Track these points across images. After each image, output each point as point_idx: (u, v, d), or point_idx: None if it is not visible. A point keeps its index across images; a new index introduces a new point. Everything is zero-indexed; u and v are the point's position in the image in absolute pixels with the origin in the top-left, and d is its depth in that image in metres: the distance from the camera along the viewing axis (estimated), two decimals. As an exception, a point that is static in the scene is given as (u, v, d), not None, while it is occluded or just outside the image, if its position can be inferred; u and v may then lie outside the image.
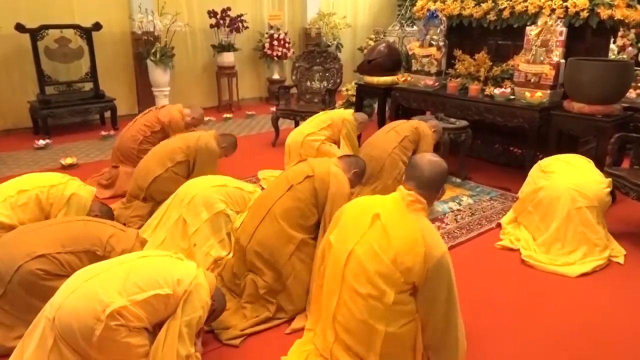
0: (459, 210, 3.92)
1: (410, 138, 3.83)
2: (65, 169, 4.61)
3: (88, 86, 6.09)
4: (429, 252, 1.81)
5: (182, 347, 1.83)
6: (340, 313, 1.96)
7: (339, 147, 4.20)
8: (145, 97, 6.68)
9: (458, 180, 4.55)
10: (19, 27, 5.44)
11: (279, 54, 7.61)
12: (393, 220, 1.91)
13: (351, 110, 4.54)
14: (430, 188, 1.99)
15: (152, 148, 3.77)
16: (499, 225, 3.59)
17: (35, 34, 5.52)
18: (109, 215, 2.94)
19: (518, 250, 3.24)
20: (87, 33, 5.89)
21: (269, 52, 7.55)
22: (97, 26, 5.95)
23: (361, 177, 2.90)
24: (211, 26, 7.00)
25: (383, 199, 2.03)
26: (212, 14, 6.91)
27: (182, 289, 1.87)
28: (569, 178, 3.26)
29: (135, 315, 1.78)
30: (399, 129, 3.87)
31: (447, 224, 3.65)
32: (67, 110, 5.82)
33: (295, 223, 2.52)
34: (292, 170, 2.72)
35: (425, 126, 3.97)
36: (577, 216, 3.11)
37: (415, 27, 7.47)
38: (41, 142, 5.39)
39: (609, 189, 3.23)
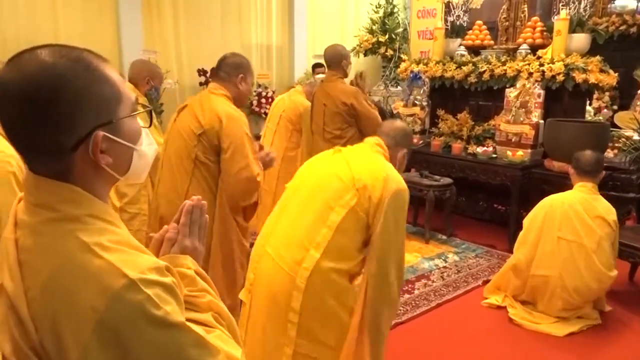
0: (445, 267, 3.90)
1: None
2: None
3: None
4: (389, 180, 1.78)
5: None
6: (277, 234, 1.84)
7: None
8: (132, 151, 6.69)
9: (444, 237, 4.56)
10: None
11: (267, 111, 7.74)
12: (355, 154, 1.92)
13: (301, 92, 4.32)
14: (392, 140, 2.02)
15: None
16: (485, 283, 3.57)
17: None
18: None
19: (505, 308, 3.21)
20: (77, 89, 5.96)
21: (257, 109, 7.69)
22: (88, 82, 6.03)
23: (250, 76, 2.43)
24: (200, 84, 7.13)
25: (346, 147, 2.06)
26: (201, 72, 7.07)
27: None
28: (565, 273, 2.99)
29: None
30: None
31: (433, 282, 3.62)
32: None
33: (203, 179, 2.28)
34: (182, 125, 2.32)
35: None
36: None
37: (399, 88, 7.70)
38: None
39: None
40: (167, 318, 0.76)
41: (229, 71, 2.32)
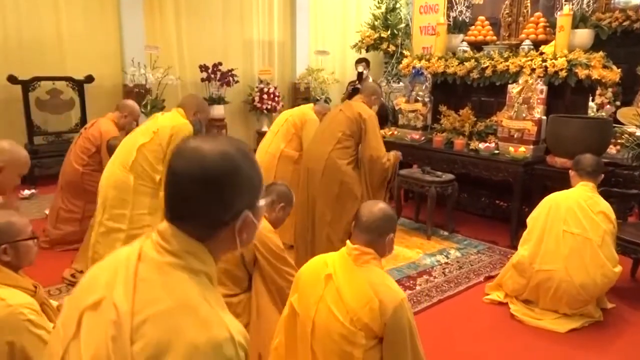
0: (446, 263, 3.91)
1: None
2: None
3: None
4: (383, 305, 1.79)
5: None
6: None
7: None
8: (134, 148, 6.70)
9: (445, 233, 4.56)
10: (11, 79, 5.51)
11: (269, 107, 7.75)
12: (344, 279, 1.88)
13: (311, 107, 4.43)
14: (376, 234, 1.93)
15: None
16: (486, 279, 3.57)
17: (28, 85, 5.58)
18: None
19: (506, 304, 3.21)
20: (79, 85, 5.97)
21: (259, 105, 7.69)
22: (90, 79, 6.04)
23: (289, 207, 2.66)
24: (202, 80, 7.14)
25: (333, 257, 1.98)
26: (203, 68, 7.06)
27: None
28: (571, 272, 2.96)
29: None
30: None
31: (435, 277, 3.63)
32: (55, 160, 5.78)
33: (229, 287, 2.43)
34: None
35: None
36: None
37: (401, 84, 7.69)
38: (26, 192, 5.34)
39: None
40: None
41: (274, 198, 2.57)
